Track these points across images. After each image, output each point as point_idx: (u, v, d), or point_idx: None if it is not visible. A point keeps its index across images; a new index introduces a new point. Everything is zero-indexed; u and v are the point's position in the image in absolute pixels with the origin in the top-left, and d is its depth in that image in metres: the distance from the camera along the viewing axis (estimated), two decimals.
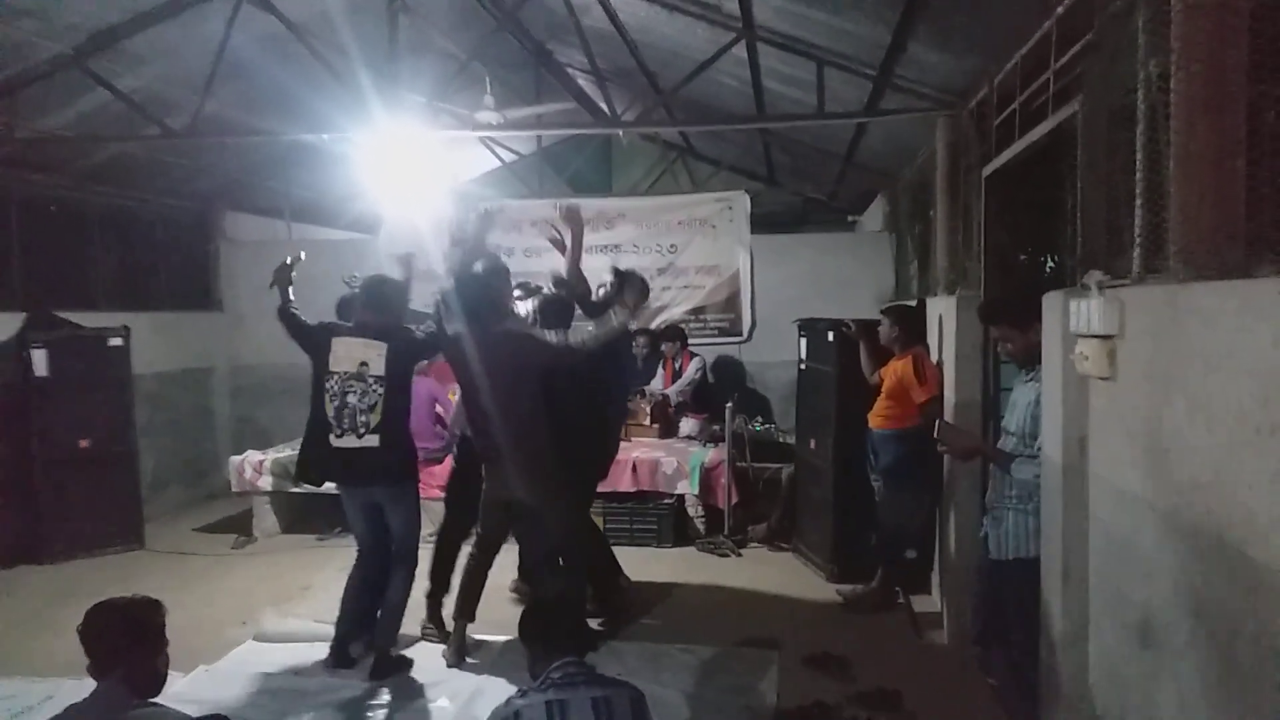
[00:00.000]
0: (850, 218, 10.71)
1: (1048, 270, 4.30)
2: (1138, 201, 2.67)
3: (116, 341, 6.97)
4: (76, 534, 6.69)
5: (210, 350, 8.97)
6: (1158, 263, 2.54)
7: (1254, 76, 2.15)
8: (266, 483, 7.05)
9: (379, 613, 4.57)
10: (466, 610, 4.75)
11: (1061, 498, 2.96)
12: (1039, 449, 3.27)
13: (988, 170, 4.73)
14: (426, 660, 4.68)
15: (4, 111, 6.11)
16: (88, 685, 2.50)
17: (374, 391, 4.41)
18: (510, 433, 4.39)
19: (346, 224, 10.40)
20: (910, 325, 5.45)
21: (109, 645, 2.44)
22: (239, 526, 7.34)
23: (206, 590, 5.98)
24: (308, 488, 5.28)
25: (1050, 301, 3.09)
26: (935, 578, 5.51)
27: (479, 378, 4.36)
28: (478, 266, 4.66)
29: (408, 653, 4.73)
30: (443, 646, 4.78)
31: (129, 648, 2.44)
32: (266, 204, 9.63)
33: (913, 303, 6.03)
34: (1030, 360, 3.45)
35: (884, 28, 4.83)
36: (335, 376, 4.45)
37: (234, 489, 7.22)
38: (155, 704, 2.45)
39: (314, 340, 4.56)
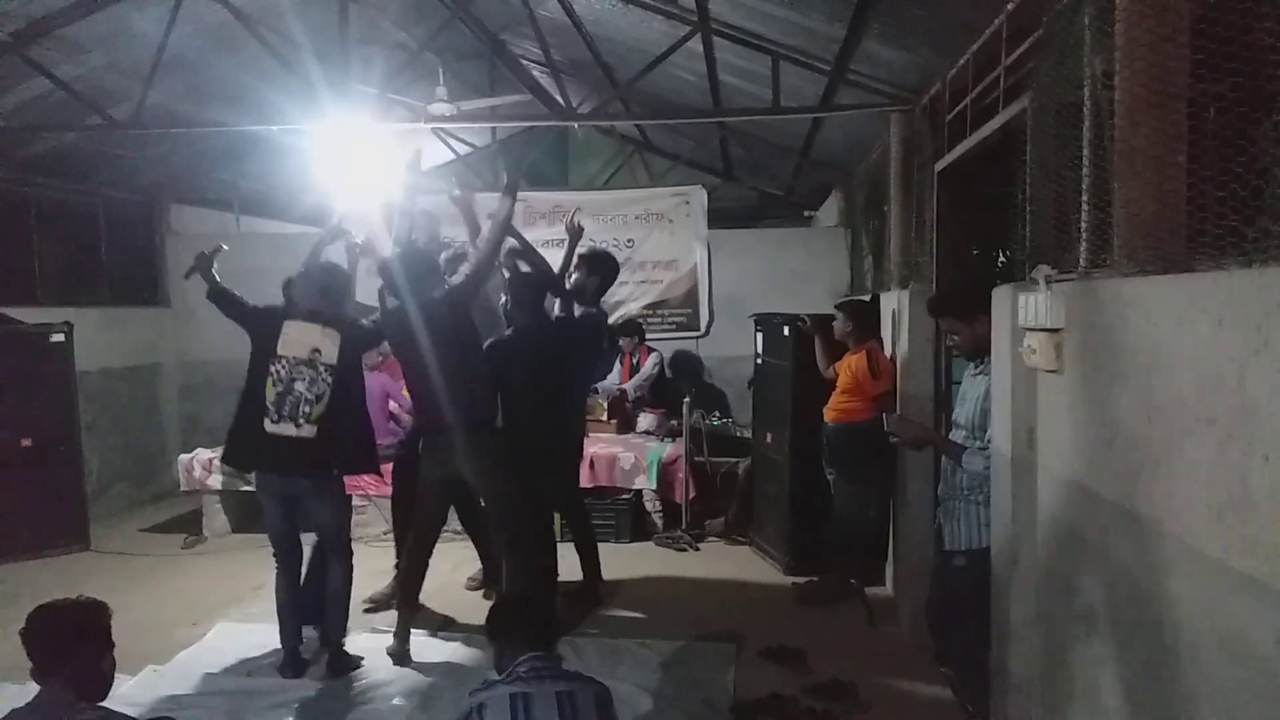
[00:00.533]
0: (806, 213, 10.79)
1: (999, 265, 4.36)
2: (1084, 197, 2.71)
3: (58, 338, 6.80)
4: (19, 535, 6.51)
5: (157, 346, 8.79)
6: (1103, 257, 2.58)
7: (1195, 74, 2.19)
8: (216, 481, 6.93)
9: (325, 609, 4.49)
10: (410, 600, 4.75)
11: (1011, 488, 3.00)
12: (988, 441, 3.31)
13: (940, 166, 4.79)
14: (381, 657, 4.62)
15: None
16: (31, 689, 2.43)
17: (323, 380, 4.32)
18: (456, 400, 4.44)
19: (297, 217, 10.23)
20: (864, 320, 5.50)
21: (51, 648, 2.38)
22: (188, 526, 7.20)
23: (155, 591, 5.87)
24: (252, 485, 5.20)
25: (999, 295, 3.13)
26: (890, 569, 5.58)
27: (422, 347, 4.43)
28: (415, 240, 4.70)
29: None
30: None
31: (72, 650, 2.38)
32: (215, 196, 9.46)
33: (866, 297, 6.09)
34: (978, 352, 3.50)
35: (839, 23, 4.86)
36: (284, 361, 4.32)
37: (183, 488, 7.09)
38: (101, 708, 2.39)
39: (259, 319, 4.44)
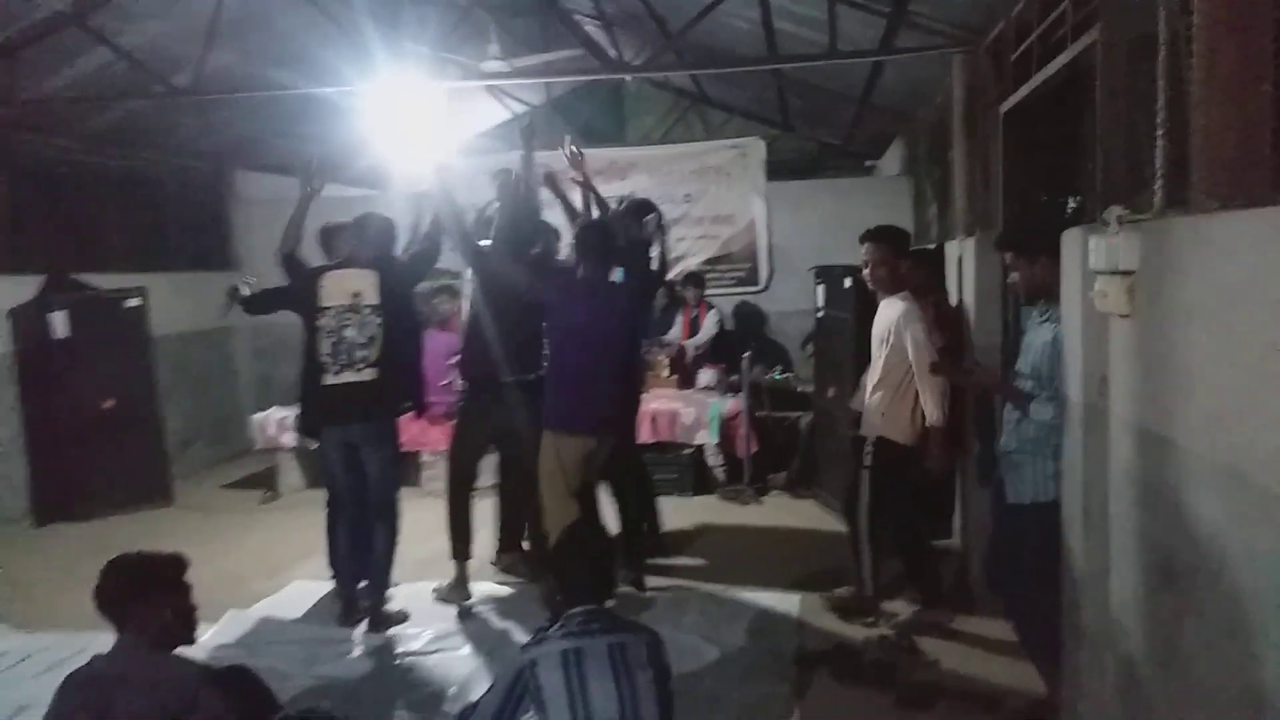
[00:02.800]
0: (867, 162, 10.56)
1: (1070, 209, 4.21)
2: (1159, 133, 2.59)
3: (134, 303, 7.01)
4: (107, 492, 6.78)
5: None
6: (1180, 195, 2.47)
7: None
8: (289, 439, 7.11)
9: (369, 567, 4.54)
10: (463, 552, 4.82)
11: (1082, 438, 2.92)
12: (1056, 390, 3.22)
13: (1005, 107, 4.62)
14: (449, 609, 4.73)
15: (5, 73, 6.06)
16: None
17: (371, 322, 4.36)
18: (514, 356, 4.56)
19: (355, 179, 10.32)
20: (928, 270, 5.37)
21: (115, 600, 2.46)
22: (265, 482, 7.42)
23: (234, 545, 6.08)
24: None
25: (1069, 238, 3.03)
26: (957, 522, 5.51)
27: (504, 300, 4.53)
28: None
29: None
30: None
31: (134, 601, 2.45)
32: (277, 161, 9.58)
33: (931, 247, 5.95)
34: (1035, 295, 3.41)
35: None
36: (329, 311, 4.37)
37: (258, 446, 7.29)
38: (173, 655, 2.47)
39: (296, 290, 4.50)
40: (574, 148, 5.26)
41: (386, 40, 6.12)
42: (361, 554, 4.56)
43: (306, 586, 5.12)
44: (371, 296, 4.38)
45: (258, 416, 7.29)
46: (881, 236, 4.50)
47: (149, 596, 2.48)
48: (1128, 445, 2.64)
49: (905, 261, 4.56)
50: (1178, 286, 2.27)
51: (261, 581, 5.27)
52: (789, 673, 4.01)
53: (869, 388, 4.50)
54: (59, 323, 6.60)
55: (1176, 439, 2.28)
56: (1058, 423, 3.21)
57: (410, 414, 4.95)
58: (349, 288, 4.39)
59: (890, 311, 4.37)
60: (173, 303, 7.97)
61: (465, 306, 5.13)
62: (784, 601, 4.73)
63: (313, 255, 4.75)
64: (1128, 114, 3.00)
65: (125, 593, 2.48)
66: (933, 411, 4.22)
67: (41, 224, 7.30)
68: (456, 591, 4.78)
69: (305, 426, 4.81)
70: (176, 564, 2.59)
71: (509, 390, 4.61)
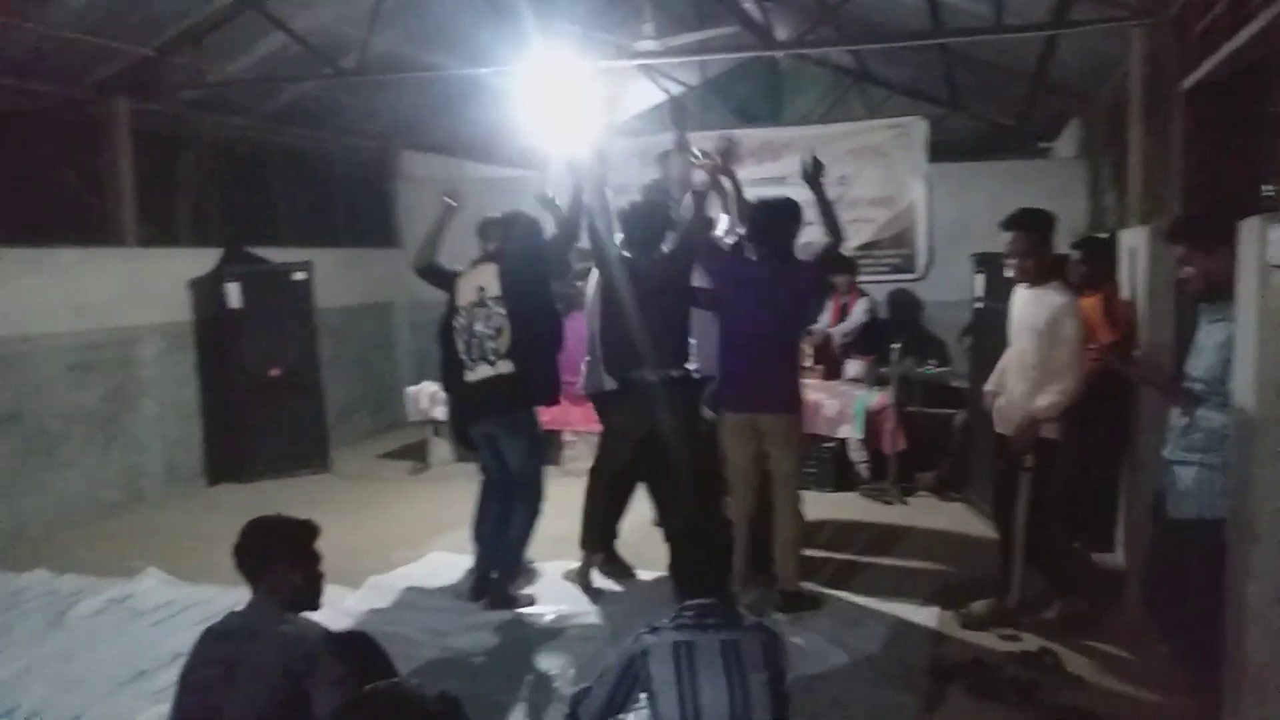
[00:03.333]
0: (1042, 144, 9.91)
1: (1258, 196, 3.79)
2: None
3: (300, 276, 7.38)
4: (271, 456, 7.22)
5: (390, 285, 9.36)
6: None
7: None
8: (440, 412, 7.33)
9: (501, 546, 4.60)
10: (592, 541, 4.80)
11: (1253, 450, 2.61)
12: (1228, 396, 2.90)
13: (1188, 84, 4.20)
14: (578, 590, 4.76)
15: (193, 56, 6.49)
16: None
17: (497, 314, 4.39)
18: (658, 352, 4.42)
19: (510, 160, 10.54)
20: (1101, 261, 4.98)
21: (250, 559, 2.58)
22: (416, 454, 7.71)
23: (383, 513, 6.34)
24: None
25: (1247, 228, 2.70)
26: (1120, 534, 5.09)
27: (634, 300, 4.42)
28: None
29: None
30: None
31: (267, 562, 2.56)
32: (440, 142, 9.91)
33: (1104, 236, 5.50)
34: (1208, 292, 3.07)
35: None
36: (461, 311, 4.48)
37: (410, 418, 7.58)
38: (299, 617, 2.57)
39: (449, 283, 4.61)
40: (729, 138, 5.13)
41: (540, 20, 6.18)
42: (501, 535, 4.64)
43: (445, 558, 5.26)
44: (494, 289, 4.42)
45: (411, 389, 7.56)
46: (1026, 223, 4.09)
47: (281, 559, 2.60)
48: None
49: (1051, 250, 4.21)
50: None
51: (404, 550, 5.46)
52: (920, 684, 3.80)
53: (1015, 384, 4.16)
54: (233, 293, 7.05)
55: None
56: (1228, 432, 2.88)
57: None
58: (475, 283, 4.48)
59: (1047, 302, 4.00)
60: (337, 277, 8.38)
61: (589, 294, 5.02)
62: (921, 609, 4.49)
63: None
64: None
65: (260, 554, 2.61)
66: (1055, 400, 3.90)
67: (222, 200, 7.83)
68: (582, 578, 4.79)
69: (457, 431, 4.92)
70: (309, 530, 2.69)
71: (656, 387, 4.49)
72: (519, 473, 4.55)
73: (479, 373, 4.44)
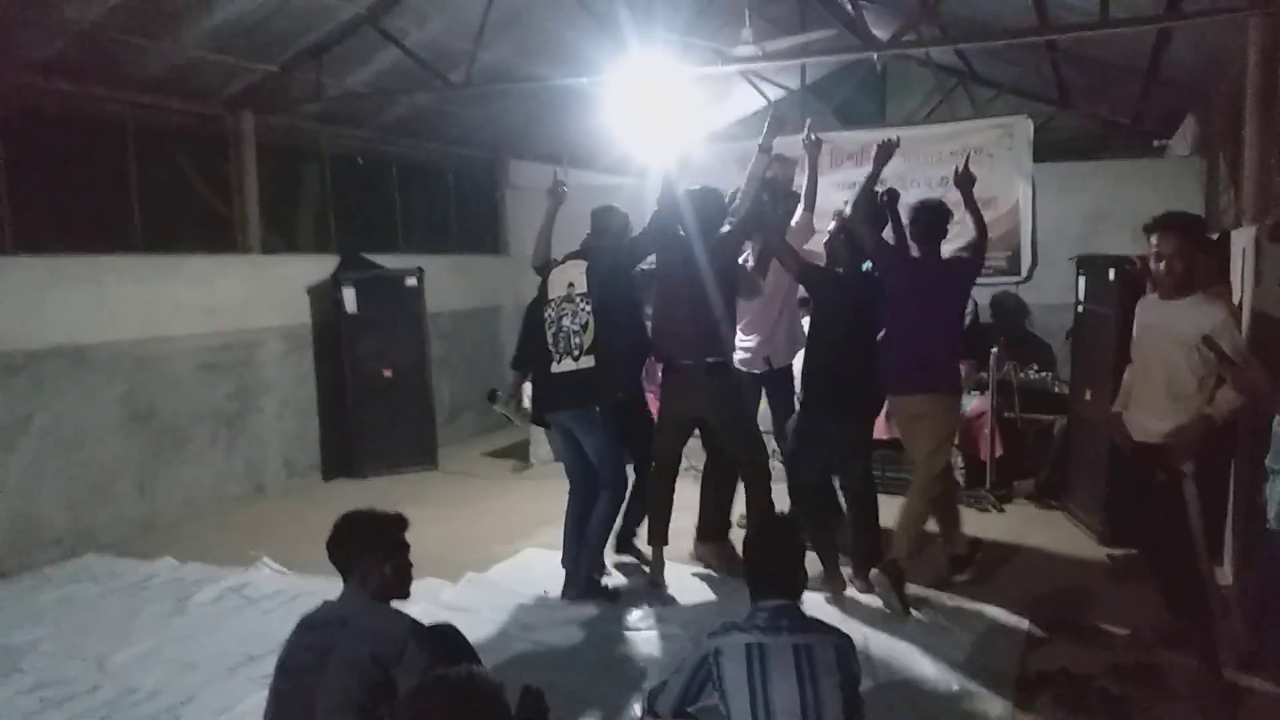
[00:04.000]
0: (1156, 142, 9.52)
1: None
2: None
3: (412, 282, 7.72)
4: (382, 453, 7.59)
5: (498, 290, 9.67)
6: None
7: None
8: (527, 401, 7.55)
9: (585, 538, 4.72)
10: (659, 535, 4.88)
11: None
12: None
13: None
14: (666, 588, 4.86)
15: (313, 71, 6.86)
16: None
17: (583, 310, 4.54)
18: (706, 339, 4.58)
19: (612, 166, 10.72)
20: (1211, 261, 4.79)
21: (343, 551, 2.75)
22: (519, 453, 7.96)
23: (484, 509, 6.59)
24: None
25: None
26: (1228, 548, 4.90)
27: (689, 282, 4.57)
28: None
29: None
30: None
31: (357, 554, 2.72)
32: (545, 150, 10.17)
33: (1215, 235, 5.29)
34: None
35: None
36: (551, 304, 4.65)
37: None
38: (389, 608, 2.72)
39: (536, 309, 4.80)
40: (814, 135, 5.18)
41: (639, 29, 6.31)
42: (584, 528, 4.76)
43: (539, 554, 5.43)
44: (582, 285, 4.58)
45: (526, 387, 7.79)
46: (1177, 225, 3.76)
47: (371, 551, 2.75)
48: None
49: (1204, 255, 3.99)
50: None
51: (503, 545, 5.66)
52: (1008, 693, 3.74)
53: (1157, 403, 3.80)
54: (349, 298, 7.43)
55: None
56: None
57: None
58: (566, 279, 4.65)
59: (1203, 314, 3.65)
60: (448, 282, 8.71)
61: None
62: (1013, 618, 4.42)
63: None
64: None
65: (351, 547, 2.77)
66: (1222, 408, 3.60)
67: (341, 208, 8.24)
68: (654, 573, 4.88)
69: (535, 415, 5.09)
70: (399, 524, 2.84)
71: (697, 373, 4.63)
72: (599, 465, 4.68)
73: (563, 365, 4.61)
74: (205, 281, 6.67)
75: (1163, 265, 3.74)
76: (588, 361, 4.55)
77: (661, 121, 7.07)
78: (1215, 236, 5.20)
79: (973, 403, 6.39)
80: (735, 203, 4.97)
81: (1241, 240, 4.66)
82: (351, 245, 8.05)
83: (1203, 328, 3.56)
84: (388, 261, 8.01)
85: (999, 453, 6.24)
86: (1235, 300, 4.60)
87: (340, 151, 8.29)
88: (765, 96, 9.95)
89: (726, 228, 4.76)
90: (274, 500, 7.01)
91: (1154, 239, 3.77)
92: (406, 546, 2.83)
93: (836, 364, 4.62)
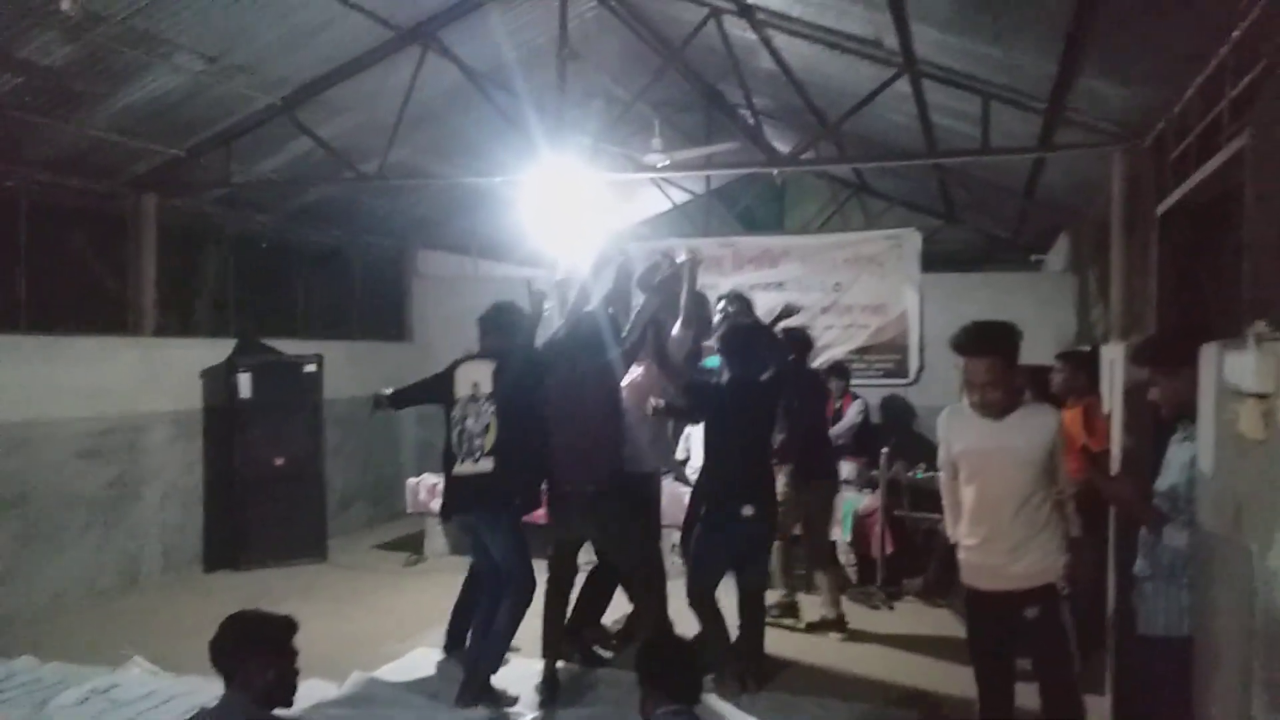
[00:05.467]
0: (1034, 257, 10.18)
1: (1226, 317, 3.93)
2: None
3: (311, 368, 7.58)
4: (269, 545, 7.29)
5: (400, 377, 9.39)
6: None
7: None
8: (437, 505, 7.40)
9: (485, 638, 4.58)
10: (553, 649, 4.73)
11: (1213, 571, 2.69)
12: (1193, 515, 2.98)
13: (1162, 208, 4.40)
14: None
15: (223, 158, 6.82)
16: None
17: (486, 412, 4.49)
18: (591, 464, 4.50)
19: (525, 259, 10.85)
20: (1083, 373, 5.12)
21: (226, 653, 2.63)
22: (413, 545, 7.76)
23: (375, 606, 6.37)
24: None
25: (1206, 353, 2.83)
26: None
27: (575, 403, 4.52)
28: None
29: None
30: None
31: (241, 659, 2.61)
32: (456, 241, 10.23)
33: (1087, 349, 5.66)
34: (1179, 411, 3.17)
35: (1049, 59, 4.61)
36: (458, 403, 4.60)
37: (409, 509, 7.65)
38: (273, 715, 2.61)
39: (437, 384, 4.76)
40: (690, 253, 5.23)
41: (552, 133, 6.49)
42: (486, 630, 4.61)
43: (431, 653, 5.26)
44: (487, 386, 4.54)
45: (412, 481, 7.66)
46: (988, 349, 3.37)
47: (256, 655, 2.63)
48: (1264, 586, 2.41)
49: (1019, 373, 3.58)
50: None
51: (393, 644, 5.47)
52: None
53: (1004, 528, 3.42)
54: (244, 383, 7.23)
55: None
56: (1193, 551, 2.96)
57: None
58: (470, 378, 4.60)
59: (1038, 426, 3.42)
60: (348, 368, 8.56)
61: None
62: (901, 712, 4.49)
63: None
64: (1277, 221, 2.82)
65: (235, 649, 2.65)
66: (1077, 522, 3.60)
67: (243, 292, 8.09)
68: (544, 687, 4.66)
69: (442, 511, 5.01)
70: (287, 629, 2.72)
71: (580, 499, 4.55)
72: (505, 568, 4.58)
73: (464, 467, 4.55)
74: (92, 363, 6.42)
75: (977, 394, 3.38)
76: (486, 464, 4.49)
77: (572, 220, 7.25)
78: (1087, 350, 5.57)
79: (864, 500, 6.56)
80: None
81: (1110, 354, 4.98)
82: (250, 330, 7.89)
83: (1042, 440, 3.37)
84: (287, 347, 7.86)
85: (889, 550, 6.39)
86: (1105, 411, 4.91)
87: (245, 235, 8.18)
88: (671, 200, 10.28)
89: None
90: (150, 593, 6.64)
91: (963, 362, 3.42)
92: (294, 653, 2.73)
93: (736, 467, 4.68)
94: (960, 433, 3.56)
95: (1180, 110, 4.30)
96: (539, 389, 4.64)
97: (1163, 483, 3.24)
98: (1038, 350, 6.95)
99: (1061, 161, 6.33)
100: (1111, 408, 4.79)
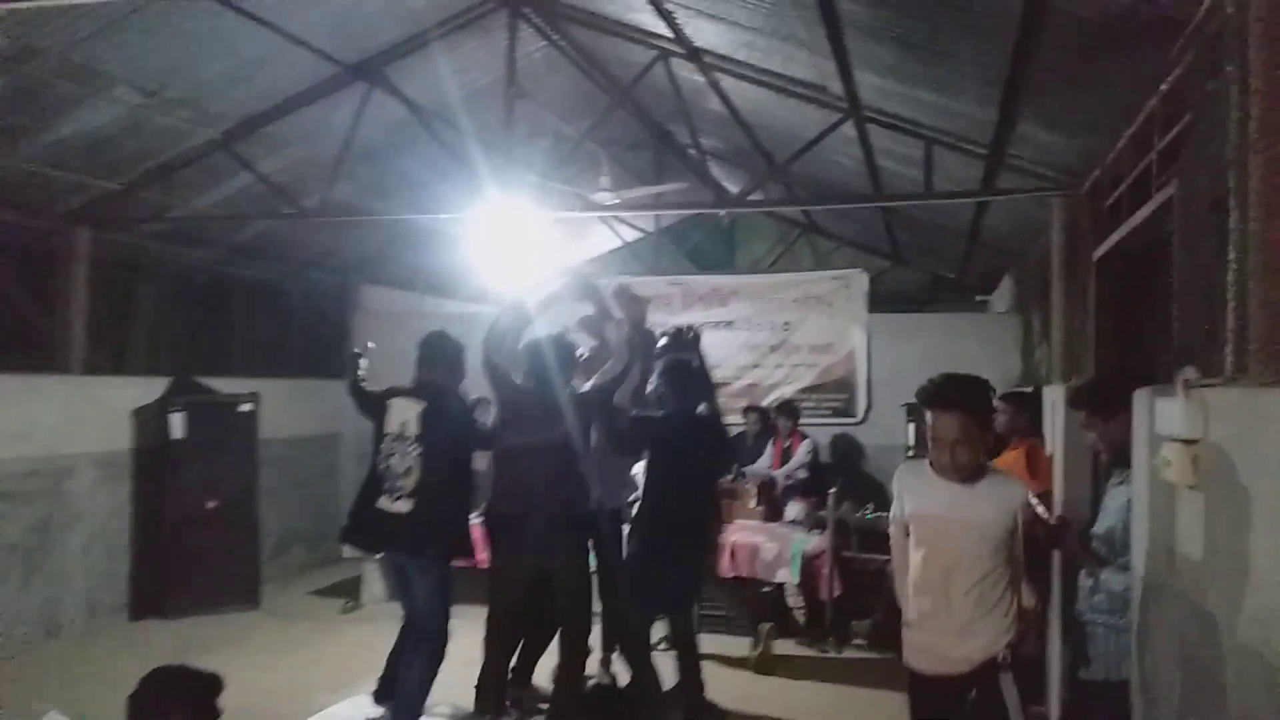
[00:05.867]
0: (979, 298, 10.33)
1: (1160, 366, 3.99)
2: (1229, 293, 2.44)
3: (247, 407, 7.37)
4: (199, 592, 6.99)
5: (340, 417, 9.30)
6: (1247, 362, 2.30)
7: None
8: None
9: (400, 690, 4.43)
10: (493, 705, 4.61)
11: (1149, 615, 2.68)
12: (1129, 560, 2.98)
13: (1098, 254, 4.47)
14: None
15: (161, 192, 6.67)
16: None
17: (410, 454, 4.34)
18: (558, 493, 4.38)
19: (473, 296, 10.75)
20: (1026, 415, 5.15)
21: (141, 712, 2.49)
22: (350, 591, 7.53)
23: (308, 655, 6.15)
24: None
25: (1139, 399, 2.85)
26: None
27: (540, 435, 4.39)
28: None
29: None
30: None
31: (163, 715, 2.48)
32: (401, 277, 10.10)
33: (1030, 389, 5.71)
34: (1114, 455, 3.18)
35: (990, 107, 4.69)
36: (387, 438, 4.44)
37: (345, 554, 7.41)
38: None
39: (374, 405, 4.57)
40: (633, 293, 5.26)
41: (499, 170, 6.45)
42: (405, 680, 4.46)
43: (362, 704, 5.07)
44: (414, 428, 4.36)
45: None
46: (960, 404, 3.04)
47: (175, 714, 2.50)
48: (1194, 630, 2.40)
49: (990, 431, 3.41)
50: (1237, 461, 2.09)
51: (325, 694, 5.27)
52: None
53: (971, 622, 3.02)
54: (176, 423, 7.00)
55: (1234, 629, 2.05)
56: (1129, 594, 2.95)
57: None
58: (401, 416, 4.42)
59: (1005, 496, 3.06)
60: (287, 407, 8.36)
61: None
62: None
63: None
64: (1205, 270, 2.85)
65: (156, 705, 2.51)
66: (1030, 592, 3.38)
67: (178, 329, 7.88)
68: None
69: (343, 535, 4.81)
70: (211, 684, 2.58)
71: (535, 533, 4.42)
72: (425, 615, 4.42)
73: (384, 503, 4.39)
74: (15, 402, 6.17)
75: (945, 455, 3.00)
76: (404, 506, 4.33)
77: (519, 258, 7.19)
78: (1029, 391, 5.61)
79: (812, 542, 6.51)
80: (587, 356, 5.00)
81: (1051, 395, 5.02)
82: (185, 368, 7.66)
83: (1009, 512, 3.00)
84: (224, 385, 7.65)
85: (837, 592, 6.34)
86: (1047, 453, 4.93)
87: (182, 271, 7.99)
88: (621, 238, 10.28)
89: (590, 382, 4.61)
90: (71, 644, 6.34)
91: (930, 416, 3.09)
92: (218, 711, 2.59)
93: (672, 504, 4.59)
94: (918, 493, 3.14)
95: (1114, 159, 4.39)
96: (469, 432, 4.52)
97: (1100, 526, 3.25)
98: None
99: (1004, 205, 6.43)
100: (1053, 449, 4.82)
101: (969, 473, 3.03)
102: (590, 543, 4.75)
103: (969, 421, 3.02)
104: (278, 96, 6.23)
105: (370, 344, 4.99)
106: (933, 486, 3.09)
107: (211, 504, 7.10)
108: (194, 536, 7.01)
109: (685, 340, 4.99)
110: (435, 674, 4.43)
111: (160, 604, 6.92)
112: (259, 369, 8.54)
